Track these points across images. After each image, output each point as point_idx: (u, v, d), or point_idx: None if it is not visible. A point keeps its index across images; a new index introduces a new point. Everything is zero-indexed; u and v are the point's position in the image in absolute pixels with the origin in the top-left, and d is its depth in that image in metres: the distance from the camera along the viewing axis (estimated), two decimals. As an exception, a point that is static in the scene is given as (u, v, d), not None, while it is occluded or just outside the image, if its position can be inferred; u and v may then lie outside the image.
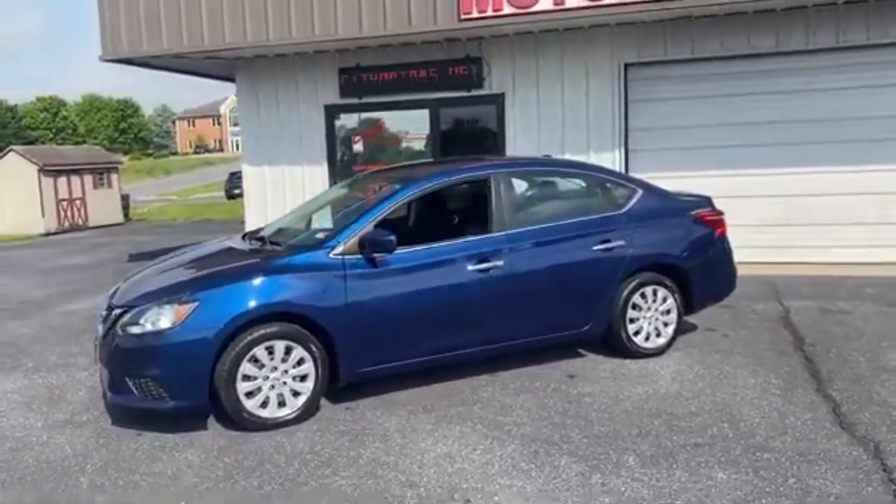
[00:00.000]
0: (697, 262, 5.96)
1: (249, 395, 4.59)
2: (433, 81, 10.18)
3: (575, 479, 3.85)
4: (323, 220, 6.05)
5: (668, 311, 5.86)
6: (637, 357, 5.78)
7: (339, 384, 4.93)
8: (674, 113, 9.56)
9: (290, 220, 6.25)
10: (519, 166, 5.95)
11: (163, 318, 4.49)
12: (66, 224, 21.60)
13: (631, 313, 5.73)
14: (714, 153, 9.43)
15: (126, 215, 24.42)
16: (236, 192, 34.19)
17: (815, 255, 9.11)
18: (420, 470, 4.02)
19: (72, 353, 6.68)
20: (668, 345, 5.91)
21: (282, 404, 4.68)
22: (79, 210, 22.17)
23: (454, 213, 6.17)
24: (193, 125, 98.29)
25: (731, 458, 4.01)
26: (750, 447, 4.14)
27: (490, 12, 8.77)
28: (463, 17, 8.85)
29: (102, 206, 22.86)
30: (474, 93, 10.13)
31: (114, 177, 23.71)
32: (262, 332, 4.56)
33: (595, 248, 5.58)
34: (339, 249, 4.87)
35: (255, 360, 4.57)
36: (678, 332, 5.99)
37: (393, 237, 4.83)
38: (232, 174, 37.78)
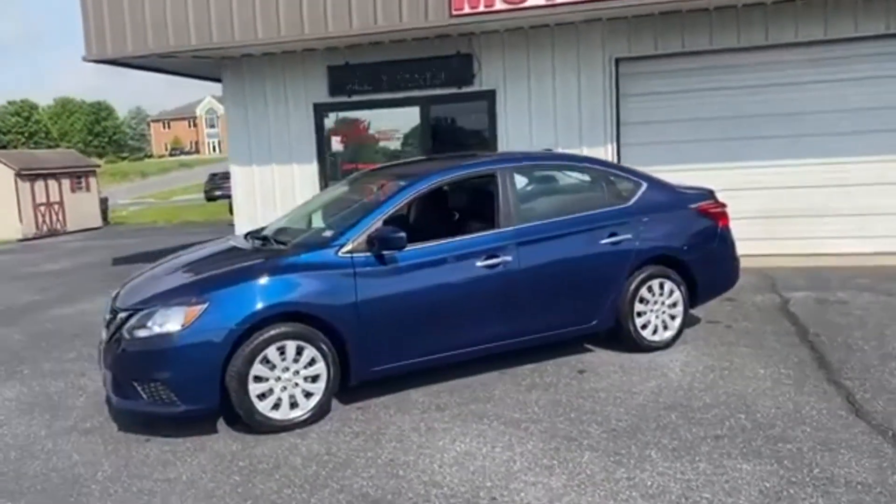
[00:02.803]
0: (702, 255, 5.96)
1: (261, 396, 4.50)
2: (423, 78, 10.11)
3: (600, 474, 3.81)
4: (325, 220, 5.97)
5: (674, 304, 5.85)
6: (644, 351, 5.77)
7: (350, 383, 4.86)
8: (665, 107, 9.59)
9: (290, 219, 6.15)
10: (525, 161, 5.89)
11: (171, 321, 4.39)
12: (45, 229, 21.27)
13: (638, 307, 5.71)
14: (705, 146, 9.47)
15: (105, 219, 24.13)
16: (217, 193, 33.47)
17: (807, 246, 9.17)
18: (441, 469, 3.96)
19: (67, 358, 6.54)
20: (675, 338, 5.91)
21: (294, 405, 4.60)
22: (57, 214, 21.83)
23: (460, 209, 6.09)
24: (168, 127, 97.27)
25: (752, 449, 3.99)
26: (770, 438, 4.13)
27: (482, 8, 8.73)
28: (454, 12, 8.80)
29: (81, 209, 22.55)
30: (465, 89, 10.08)
31: (92, 180, 23.39)
32: (274, 332, 4.47)
33: (603, 241, 5.55)
34: (348, 247, 4.80)
35: (266, 360, 4.48)
36: (684, 324, 5.99)
37: (403, 234, 4.76)
38: (212, 175, 36.74)
